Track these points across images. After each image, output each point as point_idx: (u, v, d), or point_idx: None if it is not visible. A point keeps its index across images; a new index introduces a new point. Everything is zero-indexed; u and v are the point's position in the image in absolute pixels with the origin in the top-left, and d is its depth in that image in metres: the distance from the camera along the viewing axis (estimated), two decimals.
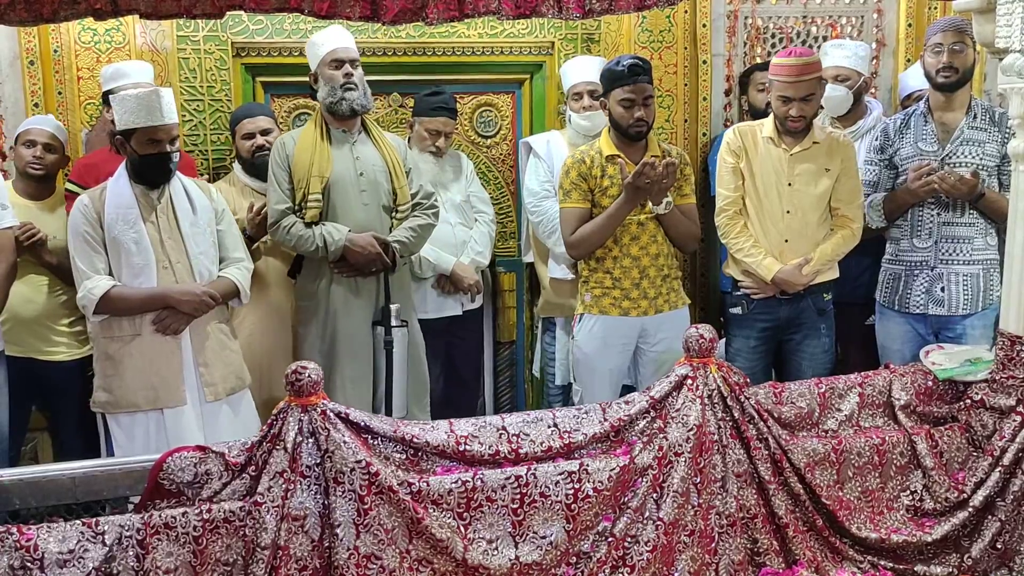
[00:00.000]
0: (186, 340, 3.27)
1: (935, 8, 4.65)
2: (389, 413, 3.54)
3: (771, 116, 3.66)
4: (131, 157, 3.25)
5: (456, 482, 2.58)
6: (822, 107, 4.03)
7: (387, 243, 3.58)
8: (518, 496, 2.61)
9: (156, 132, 3.19)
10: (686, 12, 4.52)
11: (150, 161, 3.23)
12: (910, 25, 4.68)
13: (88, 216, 3.21)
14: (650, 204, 3.49)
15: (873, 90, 4.63)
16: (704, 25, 4.55)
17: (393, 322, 3.57)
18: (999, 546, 2.90)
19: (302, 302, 3.72)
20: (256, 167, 3.83)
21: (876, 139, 3.79)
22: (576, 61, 4.24)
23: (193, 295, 3.23)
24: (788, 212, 3.61)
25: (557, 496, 2.63)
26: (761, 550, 2.80)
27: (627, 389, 3.67)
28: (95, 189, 3.32)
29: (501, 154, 4.66)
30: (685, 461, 2.72)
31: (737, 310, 3.76)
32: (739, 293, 3.74)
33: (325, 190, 3.57)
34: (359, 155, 3.66)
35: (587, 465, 2.66)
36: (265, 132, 3.83)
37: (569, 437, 2.70)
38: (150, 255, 3.22)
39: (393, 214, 3.70)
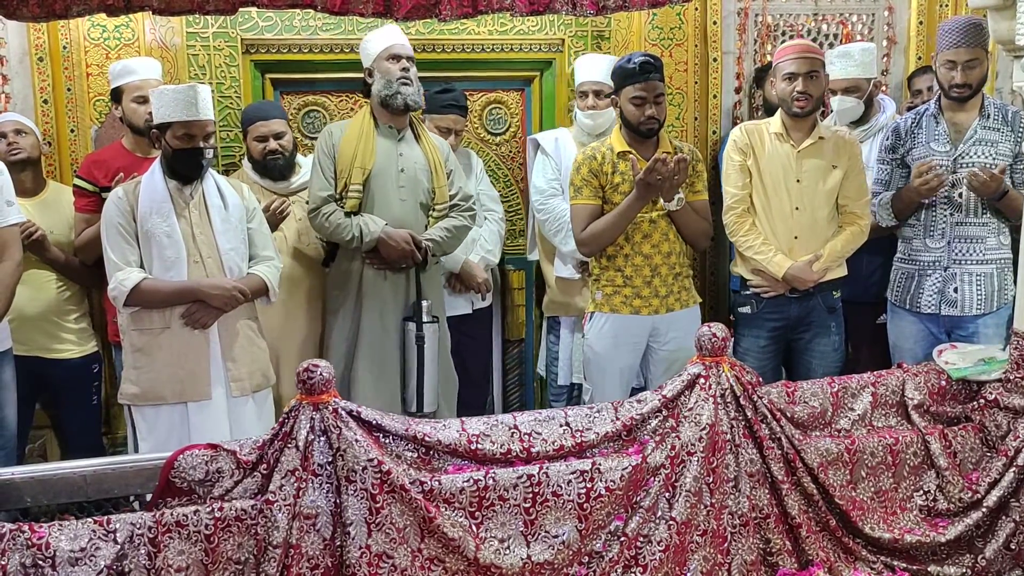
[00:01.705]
0: (214, 335, 3.29)
1: (946, 5, 4.64)
2: (421, 408, 3.59)
3: (778, 112, 3.65)
4: (165, 151, 3.27)
5: (468, 481, 2.57)
6: (830, 108, 4.03)
7: (420, 241, 3.61)
8: (530, 495, 2.60)
9: (191, 127, 3.21)
10: (697, 9, 4.51)
11: (183, 156, 3.25)
12: (921, 23, 4.67)
13: (122, 208, 3.23)
14: (662, 201, 3.48)
15: (884, 88, 4.61)
16: (715, 22, 4.54)
17: (425, 318, 3.61)
18: (1013, 547, 2.89)
19: (334, 291, 3.75)
20: (267, 169, 3.82)
21: (887, 138, 3.77)
22: (585, 59, 4.22)
23: (223, 289, 3.24)
24: (797, 209, 3.60)
25: (569, 495, 2.62)
26: (774, 550, 2.79)
27: (635, 390, 3.66)
28: (129, 182, 3.34)
29: (510, 152, 4.65)
30: (698, 460, 2.70)
31: (746, 309, 3.74)
32: (748, 292, 3.73)
33: (366, 182, 3.61)
34: (402, 152, 3.70)
35: (599, 464, 2.65)
36: (278, 136, 3.81)
37: (581, 436, 2.69)
38: (182, 249, 3.24)
39: (430, 212, 3.73)
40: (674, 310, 3.58)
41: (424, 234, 3.67)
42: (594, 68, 4.10)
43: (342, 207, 3.61)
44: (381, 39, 3.70)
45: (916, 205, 3.63)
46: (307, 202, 3.77)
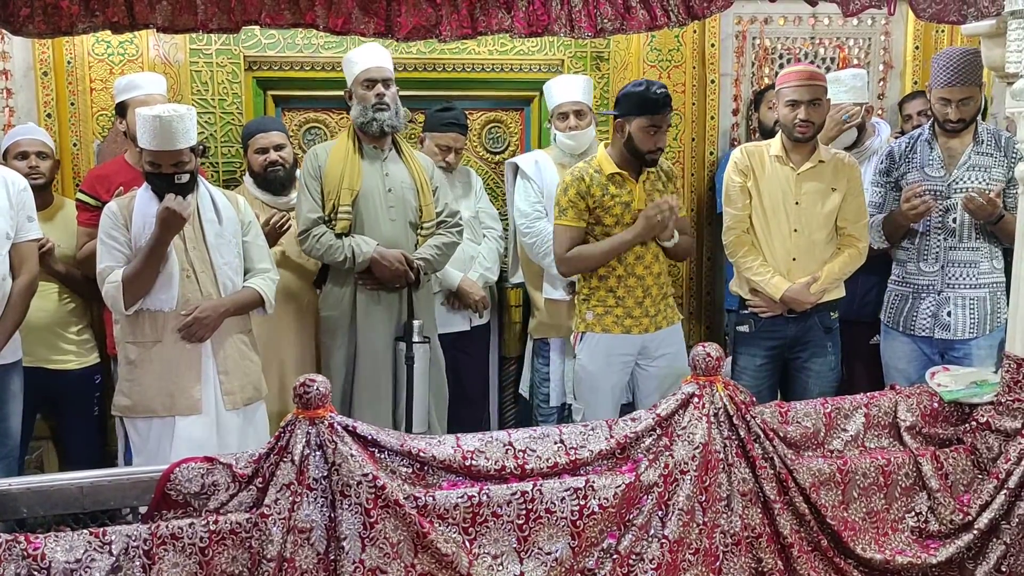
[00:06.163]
0: (207, 349, 3.29)
1: (942, 31, 4.69)
2: (410, 428, 3.58)
3: (778, 135, 3.69)
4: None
5: (462, 497, 2.58)
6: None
7: (412, 261, 3.63)
8: (523, 512, 2.61)
9: (157, 156, 3.21)
10: (695, 32, 4.56)
11: (152, 180, 3.26)
12: (917, 48, 4.72)
13: (116, 222, 3.26)
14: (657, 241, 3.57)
15: (880, 112, 4.65)
16: (713, 45, 4.59)
17: (415, 338, 3.62)
18: (1004, 569, 2.90)
19: (326, 312, 3.76)
20: (268, 182, 3.86)
21: (882, 162, 3.81)
22: (560, 80, 4.24)
23: (163, 209, 3.13)
24: (795, 231, 3.63)
25: (562, 512, 2.63)
26: (765, 570, 2.80)
27: (624, 407, 3.68)
28: (124, 197, 3.36)
29: None
30: (691, 479, 2.72)
31: (744, 328, 3.77)
32: (746, 312, 3.75)
33: (354, 203, 3.63)
34: (388, 171, 3.73)
35: (593, 482, 2.66)
36: (278, 148, 3.85)
37: (575, 453, 2.70)
38: (174, 263, 3.24)
39: (418, 231, 3.75)
40: (662, 328, 3.62)
41: (415, 253, 3.70)
42: (571, 89, 4.12)
43: (332, 228, 3.62)
44: (356, 63, 3.72)
45: (906, 229, 3.67)
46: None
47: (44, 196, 3.79)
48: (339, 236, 3.62)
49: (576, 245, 3.56)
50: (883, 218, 3.73)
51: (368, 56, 3.72)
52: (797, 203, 3.62)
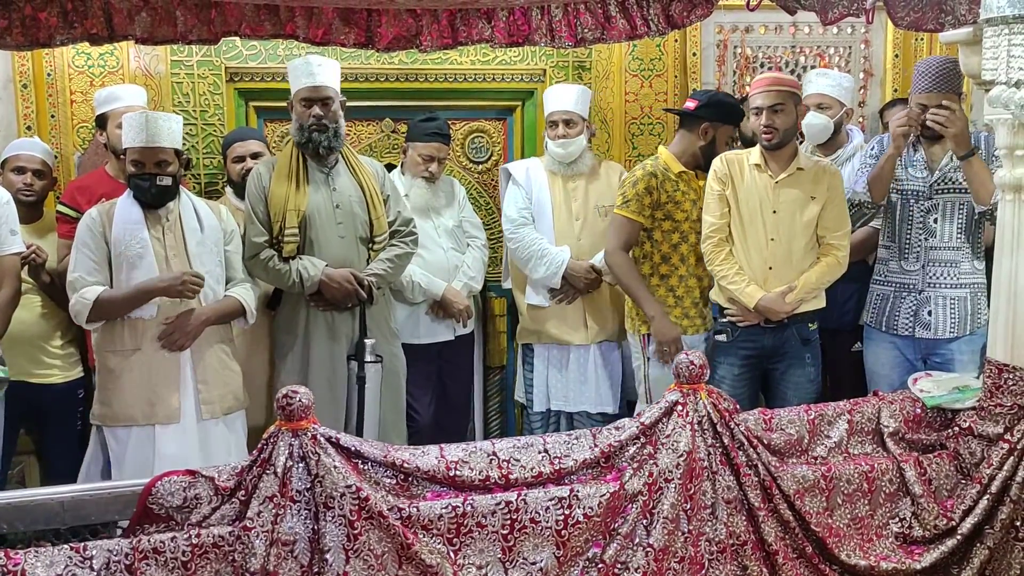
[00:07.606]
0: (186, 357, 3.30)
1: (921, 39, 4.72)
2: None
3: (758, 144, 3.72)
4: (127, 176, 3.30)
5: (446, 507, 2.57)
6: (802, 134, 4.08)
7: (363, 279, 3.58)
8: (508, 522, 2.61)
9: (140, 153, 3.23)
10: (676, 41, 4.58)
11: (134, 181, 3.27)
12: (897, 56, 4.75)
13: (94, 230, 3.26)
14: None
15: (861, 120, 4.68)
16: (694, 54, 4.61)
17: (368, 357, 3.56)
18: (987, 574, 2.90)
19: (280, 335, 3.72)
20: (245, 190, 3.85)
21: (872, 148, 3.81)
22: (555, 89, 4.25)
23: (172, 278, 3.22)
24: (772, 240, 3.65)
25: (547, 522, 2.63)
26: None
27: None
28: (105, 204, 3.36)
29: (492, 180, 4.68)
30: (675, 487, 2.72)
31: (722, 337, 3.78)
32: (724, 320, 3.77)
33: (301, 224, 3.57)
34: (335, 186, 3.66)
35: (577, 491, 2.66)
36: (256, 156, 3.85)
37: (560, 463, 2.70)
38: (154, 271, 3.24)
39: (370, 245, 3.70)
40: (707, 328, 3.77)
41: (366, 269, 3.63)
42: (564, 98, 4.12)
43: (279, 251, 3.55)
44: (295, 78, 3.62)
45: (890, 175, 3.64)
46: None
47: (34, 211, 3.77)
48: (287, 259, 3.55)
49: (631, 241, 3.71)
50: (871, 175, 3.70)
51: (308, 72, 3.58)
52: (775, 212, 3.64)
